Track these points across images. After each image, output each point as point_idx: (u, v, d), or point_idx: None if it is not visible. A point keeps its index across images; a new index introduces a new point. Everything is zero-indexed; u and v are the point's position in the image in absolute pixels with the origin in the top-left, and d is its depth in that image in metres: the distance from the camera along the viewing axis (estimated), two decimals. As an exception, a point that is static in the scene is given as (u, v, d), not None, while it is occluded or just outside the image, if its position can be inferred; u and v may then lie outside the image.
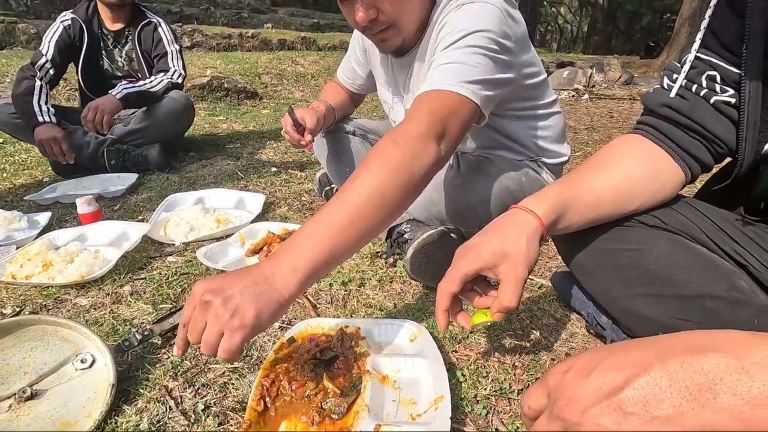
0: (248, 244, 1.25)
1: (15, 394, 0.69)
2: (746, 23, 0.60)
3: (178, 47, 2.18)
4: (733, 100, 0.64)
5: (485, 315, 0.66)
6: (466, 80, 0.80)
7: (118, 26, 2.11)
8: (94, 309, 1.01)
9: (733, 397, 0.33)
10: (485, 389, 0.77)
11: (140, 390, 0.77)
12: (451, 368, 0.81)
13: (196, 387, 0.78)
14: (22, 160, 2.23)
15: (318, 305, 1.02)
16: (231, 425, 0.71)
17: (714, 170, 0.76)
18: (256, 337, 0.90)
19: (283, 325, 0.94)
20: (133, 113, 2.07)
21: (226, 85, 3.84)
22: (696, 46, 0.67)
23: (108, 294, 1.06)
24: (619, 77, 5.44)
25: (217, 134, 2.84)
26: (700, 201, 0.76)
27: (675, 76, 0.70)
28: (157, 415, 0.72)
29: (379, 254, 1.24)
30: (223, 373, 0.81)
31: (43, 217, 1.45)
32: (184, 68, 2.17)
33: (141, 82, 1.97)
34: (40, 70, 1.88)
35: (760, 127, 0.63)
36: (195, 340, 0.58)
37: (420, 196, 0.75)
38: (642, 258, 0.70)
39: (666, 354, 0.37)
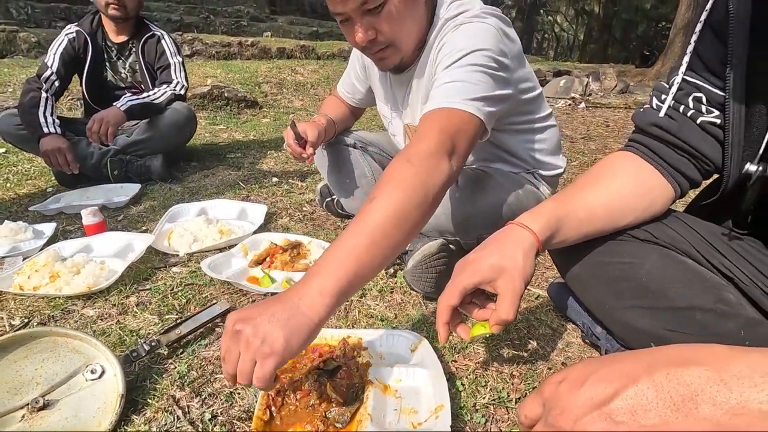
0: (251, 255, 1.28)
1: (28, 405, 0.71)
2: (729, 48, 0.63)
3: (180, 59, 2.21)
4: (718, 121, 0.68)
5: (484, 327, 0.68)
6: (469, 98, 0.84)
7: (122, 39, 2.15)
8: (101, 320, 1.03)
9: (714, 407, 0.35)
10: (484, 398, 0.80)
11: (148, 400, 0.79)
12: (450, 378, 0.83)
13: (203, 397, 0.80)
14: (26, 170, 2.26)
15: (320, 316, 1.04)
16: (238, 434, 0.73)
17: (702, 186, 0.80)
18: (260, 348, 0.92)
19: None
20: (135, 124, 2.10)
21: (226, 95, 3.88)
22: (683, 68, 0.70)
23: (114, 305, 1.08)
24: (615, 86, 5.51)
25: (218, 143, 2.87)
26: (689, 215, 0.79)
27: (663, 96, 0.73)
28: (166, 424, 0.74)
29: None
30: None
31: (48, 228, 1.47)
32: (186, 79, 2.21)
33: (145, 94, 2.00)
34: (45, 82, 1.92)
35: (744, 146, 0.67)
36: (232, 371, 0.60)
37: None
38: (634, 271, 0.72)
39: (653, 366, 0.39)
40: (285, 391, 0.75)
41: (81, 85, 2.16)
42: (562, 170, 1.28)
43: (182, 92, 2.14)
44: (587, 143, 2.99)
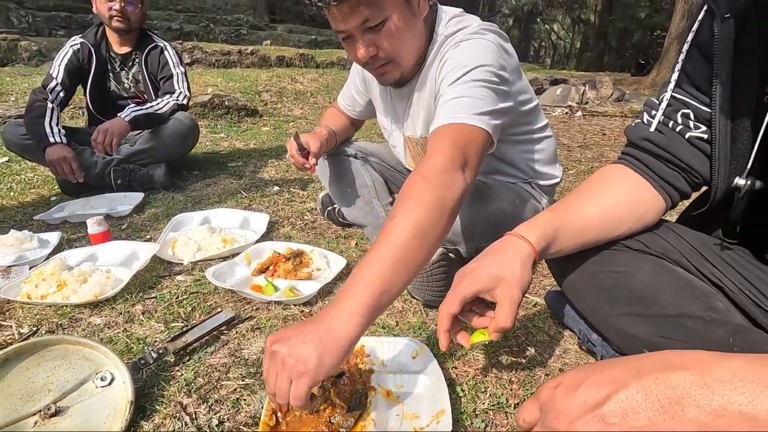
0: (254, 264, 1.30)
1: (40, 411, 0.73)
2: (714, 68, 0.67)
3: (183, 69, 2.25)
4: (705, 136, 0.71)
5: (483, 334, 0.71)
6: (476, 112, 0.87)
7: (125, 50, 2.19)
8: (108, 328, 1.05)
9: (698, 409, 0.38)
10: (483, 404, 0.82)
11: (156, 407, 0.81)
12: (451, 384, 0.85)
13: (210, 403, 0.82)
14: (29, 179, 2.28)
15: (323, 323, 1.07)
16: (245, 439, 0.75)
17: (692, 197, 0.83)
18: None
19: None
20: (139, 134, 2.13)
21: (227, 103, 3.91)
22: (671, 86, 0.74)
23: (120, 313, 1.10)
24: (611, 94, 5.57)
25: (219, 152, 2.90)
26: (680, 225, 0.82)
27: (654, 112, 0.76)
28: (174, 430, 0.76)
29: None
30: (235, 389, 0.86)
31: (53, 237, 1.49)
32: (188, 90, 2.24)
33: (148, 105, 2.04)
34: (51, 93, 1.95)
35: (730, 160, 0.70)
36: (272, 390, 0.63)
37: None
38: (627, 279, 0.75)
39: (642, 371, 0.42)
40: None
41: (85, 95, 2.19)
42: (558, 180, 1.32)
43: (185, 102, 2.18)
44: (584, 151, 3.03)
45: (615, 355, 0.85)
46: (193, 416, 0.80)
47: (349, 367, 0.85)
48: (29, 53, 5.94)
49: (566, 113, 4.73)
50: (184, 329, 0.98)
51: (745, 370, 0.37)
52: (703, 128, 0.71)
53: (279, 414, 0.75)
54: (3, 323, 1.06)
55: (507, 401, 0.83)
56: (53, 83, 1.99)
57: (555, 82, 6.21)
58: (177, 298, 1.17)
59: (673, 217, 0.91)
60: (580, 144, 3.28)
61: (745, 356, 0.40)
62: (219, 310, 1.09)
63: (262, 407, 0.79)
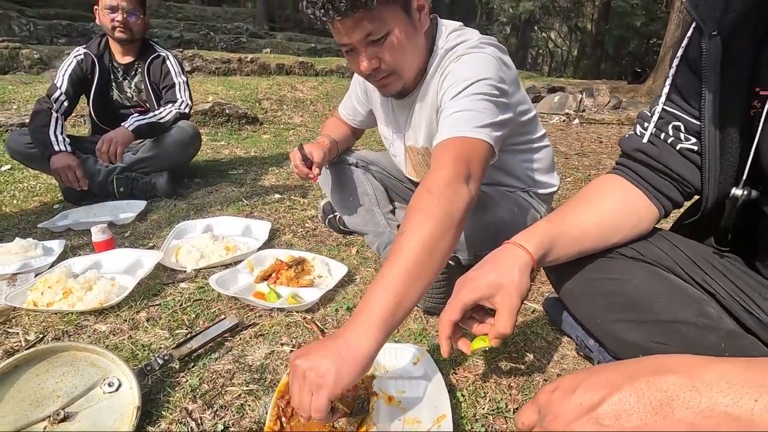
0: (257, 271, 1.32)
1: (50, 417, 0.75)
2: (702, 82, 0.69)
3: (185, 78, 2.28)
4: (696, 148, 0.74)
5: (483, 341, 0.73)
6: (477, 125, 0.90)
7: (128, 60, 2.22)
8: (113, 335, 1.06)
9: (687, 410, 0.40)
10: (483, 408, 0.84)
11: (162, 412, 0.83)
12: (451, 389, 0.87)
13: (215, 409, 0.84)
14: (31, 187, 2.30)
15: (326, 330, 1.08)
16: (250, 444, 0.76)
17: (685, 206, 0.85)
18: (268, 361, 0.96)
19: (295, 350, 1.00)
20: (141, 142, 2.15)
21: (227, 111, 3.95)
22: (663, 99, 0.77)
23: (125, 320, 1.12)
24: (608, 102, 5.63)
25: (220, 160, 2.92)
26: (674, 234, 0.85)
27: (646, 124, 0.79)
28: (180, 435, 0.78)
29: (382, 280, 1.30)
30: (239, 395, 0.87)
31: (58, 245, 1.51)
32: (190, 98, 2.27)
33: (151, 114, 2.06)
34: (55, 102, 1.97)
35: (720, 170, 0.72)
36: (295, 403, 0.66)
37: None
38: (622, 287, 0.77)
39: (634, 375, 0.44)
40: (295, 403, 0.79)
41: (88, 104, 2.21)
42: (556, 188, 1.34)
43: (187, 111, 2.20)
44: (581, 159, 3.06)
45: (611, 361, 0.87)
46: (199, 422, 0.81)
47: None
48: (30, 61, 5.98)
49: (564, 121, 4.77)
50: (189, 336, 1.00)
51: (731, 374, 0.40)
52: (694, 140, 0.74)
53: (283, 419, 0.77)
54: (9, 330, 1.08)
55: (506, 406, 0.84)
56: (57, 93, 2.02)
57: (552, 90, 6.28)
58: (181, 305, 1.19)
59: (667, 225, 0.94)
60: (577, 152, 3.31)
61: (731, 360, 0.42)
62: (223, 317, 1.11)
63: (266, 412, 0.80)
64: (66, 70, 2.10)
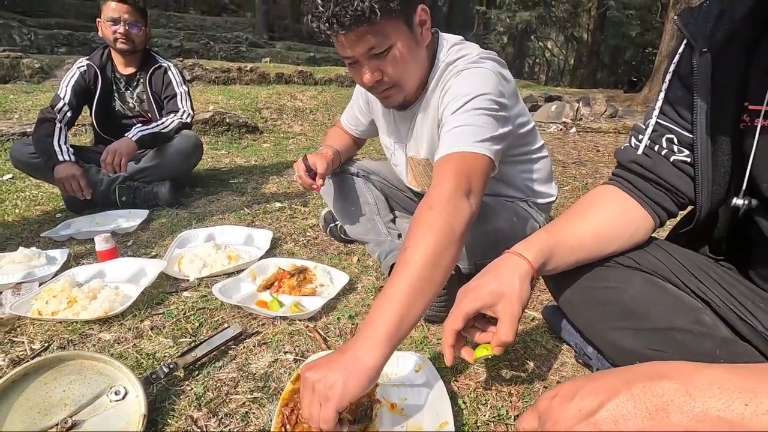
0: (260, 280, 1.33)
1: (57, 425, 0.76)
2: (694, 97, 0.72)
3: (186, 88, 2.31)
4: (688, 160, 0.76)
5: (486, 349, 0.74)
6: (477, 140, 0.92)
7: (130, 70, 2.24)
8: (118, 343, 1.07)
9: (681, 415, 0.42)
10: (485, 416, 0.85)
11: (168, 420, 0.84)
12: (452, 396, 0.88)
13: (220, 417, 0.85)
14: (33, 196, 2.31)
15: (328, 338, 1.10)
16: (255, 451, 0.77)
17: (680, 216, 0.87)
18: (272, 369, 0.98)
19: (298, 358, 1.01)
20: (143, 151, 2.17)
21: (227, 120, 3.97)
22: (656, 112, 0.79)
23: (129, 329, 1.13)
24: (605, 111, 5.68)
25: (221, 169, 2.94)
26: (669, 243, 0.87)
27: (640, 137, 0.81)
28: (186, 443, 0.79)
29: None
30: (244, 403, 0.88)
31: (61, 254, 1.52)
32: (192, 108, 2.29)
33: (154, 124, 2.09)
34: (58, 113, 2.00)
35: (712, 181, 0.75)
36: (305, 415, 0.68)
37: None
38: (619, 295, 0.79)
39: (631, 381, 0.46)
40: (300, 410, 0.80)
41: (91, 114, 2.24)
42: (554, 198, 1.36)
43: (189, 120, 2.23)
44: (579, 168, 3.09)
45: (610, 368, 0.88)
46: (204, 429, 0.82)
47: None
48: (31, 70, 6.02)
49: (561, 130, 4.82)
50: (193, 345, 1.01)
51: (723, 379, 0.41)
52: (687, 152, 0.76)
53: (287, 426, 0.78)
54: (15, 339, 1.09)
55: (507, 413, 0.86)
56: (61, 103, 2.04)
57: (550, 99, 6.34)
58: (184, 314, 1.20)
59: (662, 234, 0.96)
60: (574, 160, 3.35)
61: (723, 366, 0.44)
62: (226, 325, 1.12)
63: (271, 420, 0.82)
64: (69, 81, 2.12)
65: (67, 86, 2.11)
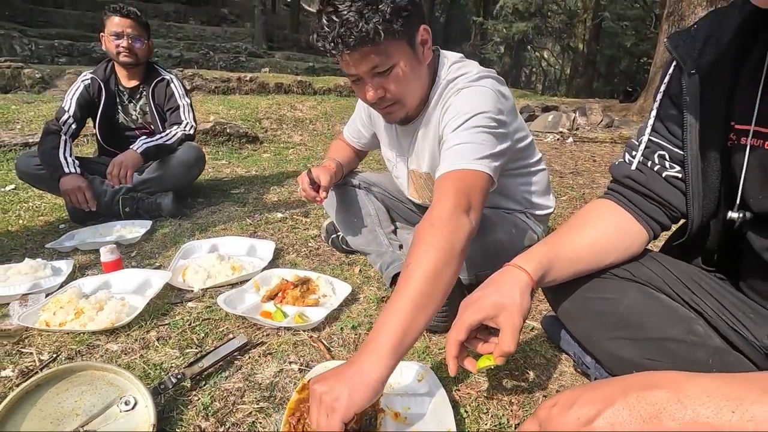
0: (263, 290, 1.36)
1: (69, 435, 0.78)
2: (684, 116, 0.75)
3: (188, 101, 2.35)
4: (680, 175, 0.79)
5: (489, 359, 0.77)
6: (477, 157, 0.96)
7: (133, 83, 2.28)
8: (125, 354, 1.09)
9: (673, 422, 0.44)
10: (486, 424, 0.87)
11: (176, 430, 0.85)
12: (455, 406, 0.90)
13: (227, 426, 0.87)
14: (36, 207, 2.33)
15: (332, 349, 1.12)
16: (263, 460, 0.79)
17: (673, 228, 0.90)
18: (278, 379, 1.00)
19: (303, 368, 1.03)
20: (147, 163, 2.20)
21: (228, 130, 4.01)
22: (648, 130, 0.83)
23: (136, 340, 1.15)
24: (601, 120, 5.75)
25: (222, 179, 2.97)
26: (663, 255, 0.90)
27: (634, 152, 0.85)
28: (195, 452, 0.80)
29: (384, 299, 1.35)
30: (250, 413, 0.90)
31: (66, 265, 1.54)
32: (194, 120, 2.33)
33: (158, 136, 2.12)
34: (63, 125, 2.03)
35: (703, 196, 0.78)
36: (313, 425, 0.71)
37: None
38: (615, 306, 0.82)
39: (626, 390, 0.49)
40: (306, 420, 0.82)
41: (94, 127, 2.27)
42: (552, 210, 1.40)
43: (192, 132, 2.26)
44: (576, 178, 3.13)
45: (607, 377, 0.90)
46: (212, 439, 0.84)
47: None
48: (32, 80, 6.05)
49: (558, 139, 4.87)
50: (200, 355, 1.03)
51: (711, 388, 0.44)
52: (678, 168, 0.79)
53: (295, 435, 0.80)
54: (23, 350, 1.10)
55: (508, 422, 0.88)
56: (65, 116, 2.08)
57: (546, 109, 6.41)
58: (190, 324, 1.22)
59: (659, 243, 0.99)
60: (571, 170, 3.39)
61: (712, 375, 0.46)
62: (231, 336, 1.14)
63: (278, 430, 0.83)
64: (74, 94, 2.16)
65: (71, 99, 2.14)
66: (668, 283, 0.83)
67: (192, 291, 1.40)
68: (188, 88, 6.13)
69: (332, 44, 0.98)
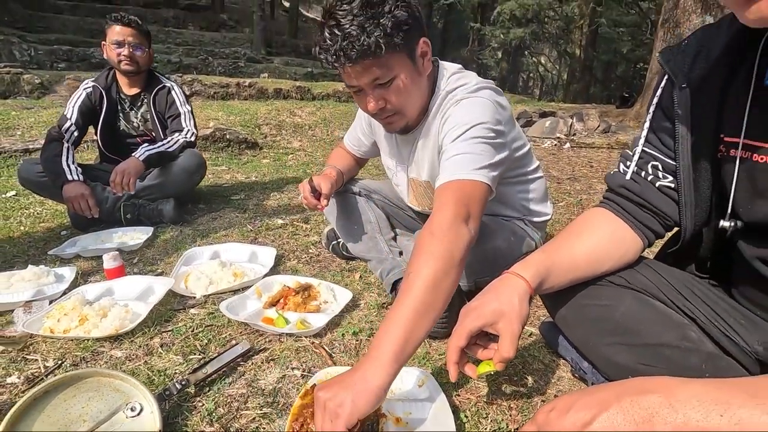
0: (265, 297, 1.37)
1: (77, 441, 0.79)
2: (675, 128, 0.78)
3: (189, 108, 2.37)
4: (673, 185, 0.82)
5: (488, 365, 0.79)
6: (475, 168, 0.98)
7: (134, 91, 2.31)
8: (129, 360, 1.11)
9: (665, 425, 0.46)
10: (486, 429, 0.89)
11: (182, 435, 0.87)
12: (455, 410, 0.92)
13: (231, 432, 0.88)
14: (37, 213, 2.34)
15: (333, 354, 1.14)
16: (267, 465, 0.81)
17: (667, 236, 0.93)
18: (281, 385, 1.01)
19: (305, 374, 1.05)
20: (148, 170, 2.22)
21: (228, 136, 4.03)
22: (642, 141, 0.85)
23: (140, 346, 1.16)
24: (598, 126, 5.80)
25: (222, 185, 2.99)
26: (658, 262, 0.92)
27: (628, 163, 0.87)
28: (200, 457, 0.82)
29: (385, 305, 1.37)
30: (254, 418, 0.92)
31: (68, 272, 1.55)
32: (195, 127, 2.35)
33: (159, 144, 2.14)
34: (66, 133, 2.05)
35: (695, 205, 0.80)
36: (318, 430, 0.73)
37: None
38: (611, 312, 0.84)
39: (620, 395, 0.51)
40: (309, 425, 0.84)
41: (96, 134, 2.29)
42: (549, 216, 1.42)
43: (193, 139, 2.28)
44: (573, 184, 3.16)
45: (604, 382, 0.92)
46: (217, 444, 0.85)
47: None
48: (31, 86, 6.07)
49: (555, 145, 4.91)
50: (204, 361, 1.05)
51: (701, 393, 0.46)
52: (671, 178, 0.82)
53: (298, 440, 0.82)
54: (28, 357, 1.12)
55: (507, 426, 0.90)
56: (68, 124, 2.10)
57: (544, 115, 6.45)
58: (192, 330, 1.24)
59: (655, 250, 1.01)
60: (569, 176, 3.42)
61: (701, 381, 0.48)
62: (234, 342, 1.16)
63: (282, 435, 0.85)
64: (76, 102, 2.18)
65: (73, 107, 2.16)
66: (662, 290, 0.85)
67: (194, 297, 1.41)
68: (187, 93, 6.17)
69: (334, 57, 1.00)
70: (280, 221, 2.19)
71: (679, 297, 0.83)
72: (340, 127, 4.92)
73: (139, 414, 0.86)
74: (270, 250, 1.71)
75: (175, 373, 1.06)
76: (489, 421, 0.91)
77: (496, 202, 1.32)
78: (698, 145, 0.76)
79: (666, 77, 0.81)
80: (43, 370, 1.07)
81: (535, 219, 1.37)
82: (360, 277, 1.58)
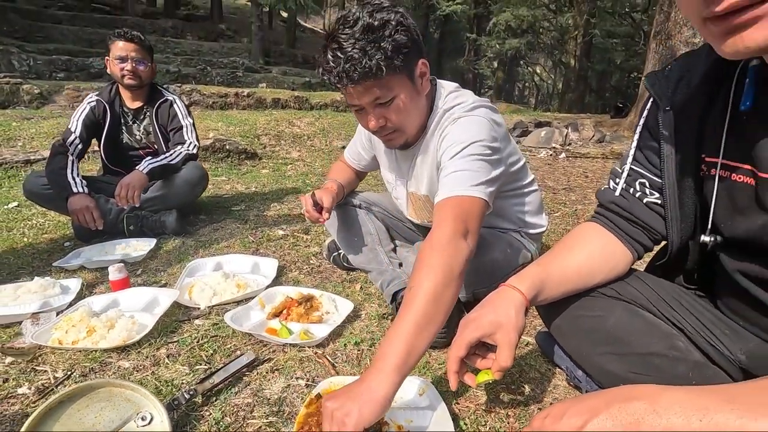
0: (268, 308, 1.41)
1: (90, 449, 0.82)
2: (660, 148, 0.83)
3: (191, 120, 2.42)
4: (659, 201, 0.86)
5: (487, 374, 0.83)
6: (473, 184, 1.02)
7: (137, 104, 2.35)
8: (137, 371, 1.14)
9: (651, 428, 0.50)
10: (484, 436, 0.92)
11: (190, 444, 0.90)
12: (454, 418, 0.95)
13: (239, 440, 0.91)
14: (40, 224, 2.37)
15: (336, 364, 1.17)
16: (274, 472, 0.84)
17: (656, 249, 0.97)
18: (285, 395, 1.04)
19: (309, 383, 1.08)
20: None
21: (227, 147, 4.08)
22: (630, 159, 0.90)
23: (147, 357, 1.19)
24: (593, 136, 5.89)
25: (222, 195, 3.03)
26: (647, 274, 0.96)
27: (617, 180, 0.92)
28: (209, 465, 0.85)
29: (386, 316, 1.40)
30: (260, 427, 0.95)
31: (74, 284, 1.58)
32: (197, 139, 2.40)
33: (162, 156, 2.18)
34: (70, 146, 2.09)
35: (680, 220, 0.85)
36: None
37: None
38: (603, 323, 0.88)
39: (609, 402, 0.55)
40: (314, 433, 0.87)
41: (99, 147, 2.33)
42: (544, 228, 1.46)
43: (195, 152, 2.33)
44: (568, 194, 3.22)
45: (597, 390, 0.96)
46: (225, 452, 0.88)
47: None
48: (31, 96, 6.10)
49: (551, 155, 4.98)
50: (210, 372, 1.08)
51: (683, 400, 0.50)
52: (657, 195, 0.86)
53: (304, 448, 0.85)
54: (38, 368, 1.14)
55: (505, 433, 0.93)
56: (72, 137, 2.14)
57: (539, 125, 6.54)
58: (198, 341, 1.27)
59: (646, 260, 1.05)
60: (564, 186, 3.48)
61: (685, 388, 0.52)
62: (239, 352, 1.19)
63: (288, 443, 0.88)
64: (80, 115, 2.22)
65: (77, 120, 2.20)
66: (651, 301, 0.89)
67: (199, 308, 1.44)
68: (186, 103, 6.23)
69: (337, 78, 1.05)
70: (280, 232, 2.23)
71: (667, 308, 0.88)
72: (338, 137, 4.98)
73: (149, 423, 0.89)
74: (272, 261, 1.75)
75: (182, 383, 1.09)
76: (487, 428, 0.94)
77: (493, 215, 1.36)
78: (682, 164, 0.81)
79: (651, 100, 0.86)
80: (52, 381, 1.09)
81: (531, 231, 1.42)
82: (361, 287, 1.62)
